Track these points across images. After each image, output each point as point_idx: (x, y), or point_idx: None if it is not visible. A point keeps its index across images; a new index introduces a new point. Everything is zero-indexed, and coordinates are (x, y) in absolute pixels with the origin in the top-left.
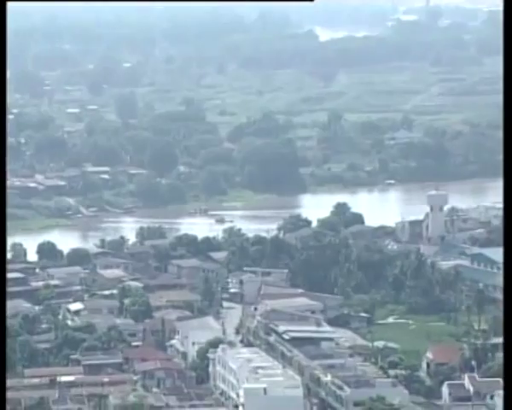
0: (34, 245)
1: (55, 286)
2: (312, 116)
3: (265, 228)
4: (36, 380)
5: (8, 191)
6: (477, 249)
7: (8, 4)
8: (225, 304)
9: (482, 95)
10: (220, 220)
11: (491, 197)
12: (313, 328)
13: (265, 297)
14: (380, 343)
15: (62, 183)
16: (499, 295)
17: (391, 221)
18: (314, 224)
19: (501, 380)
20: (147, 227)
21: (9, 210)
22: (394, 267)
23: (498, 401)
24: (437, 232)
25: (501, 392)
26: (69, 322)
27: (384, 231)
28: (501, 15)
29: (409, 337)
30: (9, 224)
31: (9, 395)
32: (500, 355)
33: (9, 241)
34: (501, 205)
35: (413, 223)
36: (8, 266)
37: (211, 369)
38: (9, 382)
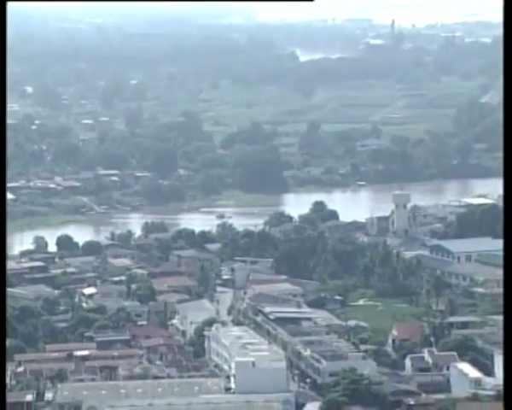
0: (54, 238)
1: (72, 273)
2: (294, 126)
3: (253, 223)
4: (55, 354)
5: (31, 191)
6: (435, 241)
7: (29, 29)
8: (219, 289)
9: (440, 108)
10: (220, 216)
11: (447, 196)
12: (294, 309)
13: (253, 283)
14: (352, 322)
15: (78, 184)
16: (454, 281)
17: (361, 217)
18: (295, 219)
19: (455, 354)
20: (151, 222)
21: (32, 208)
22: (364, 257)
23: (453, 371)
24: (401, 227)
25: (456, 364)
26: (84, 304)
27: (356, 226)
28: (456, 40)
29: (377, 317)
30: (32, 219)
31: (33, 366)
32: (455, 332)
33: (32, 234)
34: (455, 203)
35: (381, 219)
36: (32, 256)
37: (206, 345)
38: (33, 356)
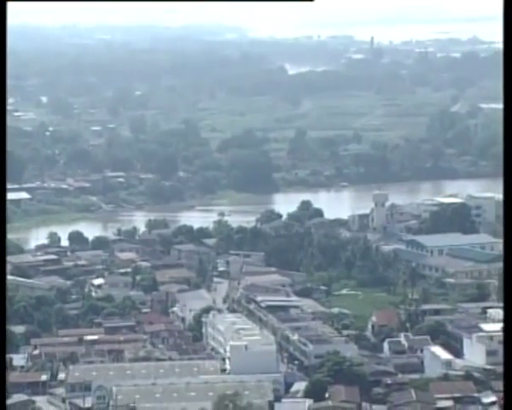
0: (66, 234)
1: (82, 266)
2: (283, 133)
3: (246, 220)
4: (67, 339)
5: (46, 191)
6: (411, 236)
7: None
8: (215, 280)
9: (414, 116)
10: (221, 214)
11: (421, 196)
12: (283, 298)
13: (246, 274)
14: (335, 310)
15: (87, 185)
16: (427, 272)
17: (344, 215)
18: (284, 217)
19: (428, 338)
20: (153, 219)
21: (47, 206)
22: (347, 251)
23: (427, 353)
24: (380, 223)
25: (429, 347)
26: (93, 293)
27: (339, 223)
28: (429, 55)
29: (358, 305)
30: (46, 217)
31: (47, 349)
32: (428, 318)
33: (46, 230)
34: (429, 202)
35: (361, 216)
36: (46, 250)
37: (204, 330)
38: (47, 340)
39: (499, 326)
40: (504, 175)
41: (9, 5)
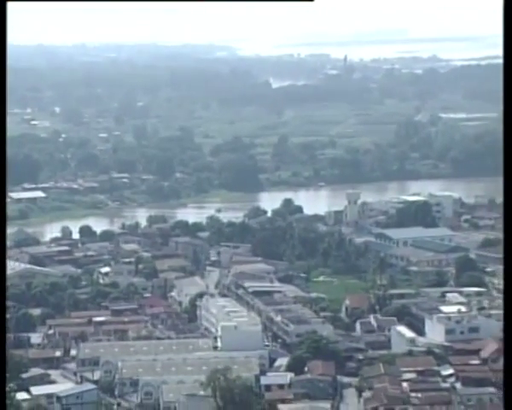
0: (77, 228)
1: (91, 256)
2: (267, 139)
3: (235, 216)
4: (78, 320)
5: (59, 191)
6: (379, 230)
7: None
8: (208, 268)
9: (383, 125)
10: (218, 210)
11: (389, 194)
12: (268, 284)
13: (235, 263)
14: (313, 294)
15: (96, 185)
16: (394, 261)
17: (321, 211)
18: (269, 213)
19: (395, 318)
20: (154, 215)
21: (59, 204)
22: (323, 242)
23: (393, 332)
24: (352, 218)
25: (395, 326)
26: (101, 280)
27: (317, 218)
28: (395, 71)
29: (333, 290)
30: (59, 213)
31: (60, 329)
32: (394, 301)
33: (59, 225)
34: (395, 200)
35: (336, 212)
36: (59, 242)
37: (198, 312)
38: (60, 321)
39: (456, 308)
40: (504, 175)
41: (27, 27)
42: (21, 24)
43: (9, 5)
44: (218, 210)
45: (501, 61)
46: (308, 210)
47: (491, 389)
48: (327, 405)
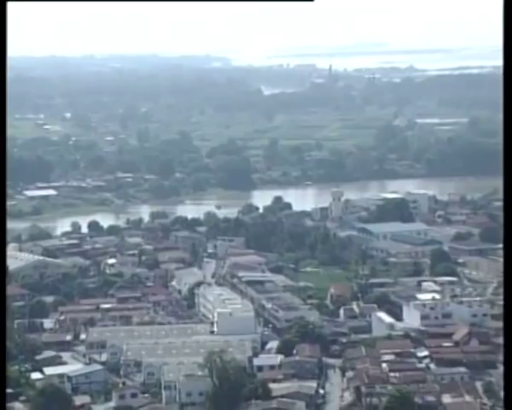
0: (85, 223)
1: (98, 248)
2: (259, 142)
3: (230, 212)
4: (87, 307)
5: (69, 189)
6: (361, 225)
7: (67, 72)
8: (205, 259)
9: (364, 129)
10: (218, 207)
11: (370, 192)
12: (260, 274)
13: (230, 255)
14: (301, 283)
15: (103, 184)
16: (374, 253)
17: (308, 207)
18: (260, 209)
19: (375, 305)
20: (156, 211)
21: (70, 201)
22: (310, 236)
23: (374, 318)
24: (337, 214)
25: (376, 312)
26: (107, 271)
27: (304, 214)
28: (375, 80)
29: (319, 280)
30: (69, 209)
31: (71, 315)
32: (375, 290)
33: (70, 220)
34: (375, 197)
35: (322, 209)
36: (69, 236)
37: (196, 300)
38: (71, 307)
39: (430, 296)
40: (504, 175)
41: (41, 39)
42: (36, 37)
43: (24, 19)
44: (218, 207)
45: (471, 71)
46: (296, 207)
47: (463, 369)
48: (313, 384)
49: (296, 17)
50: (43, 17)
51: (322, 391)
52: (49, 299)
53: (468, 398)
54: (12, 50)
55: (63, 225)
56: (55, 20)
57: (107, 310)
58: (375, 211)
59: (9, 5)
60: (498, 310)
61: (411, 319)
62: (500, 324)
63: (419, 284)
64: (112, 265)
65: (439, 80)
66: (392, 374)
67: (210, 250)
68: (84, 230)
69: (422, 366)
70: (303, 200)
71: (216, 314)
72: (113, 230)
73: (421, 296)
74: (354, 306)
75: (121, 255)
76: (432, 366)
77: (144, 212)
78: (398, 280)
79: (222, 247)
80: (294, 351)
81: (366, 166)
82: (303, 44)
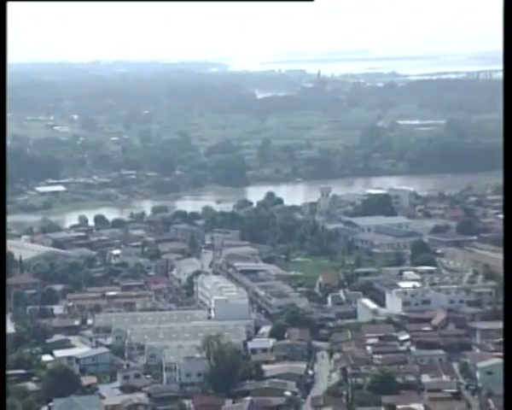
0: (92, 216)
1: (104, 240)
2: (253, 141)
3: (226, 206)
4: (93, 294)
5: (77, 185)
6: (347, 218)
7: (74, 77)
8: (203, 250)
9: (350, 130)
10: (218, 201)
11: (356, 188)
12: (254, 264)
13: (226, 246)
14: (292, 273)
15: (108, 180)
16: (360, 244)
17: (299, 202)
18: (254, 204)
19: (360, 293)
20: (157, 206)
21: (78, 196)
22: (300, 229)
23: (359, 304)
24: (325, 208)
25: (361, 299)
26: (112, 261)
27: (295, 208)
28: (360, 85)
29: (308, 269)
30: (77, 204)
31: (78, 302)
32: (360, 278)
33: (77, 214)
34: (361, 193)
35: (311, 203)
36: (77, 229)
37: (195, 288)
38: (78, 295)
39: (411, 284)
40: (504, 174)
41: (51, 46)
42: (47, 45)
43: (35, 29)
44: (219, 201)
45: (448, 76)
46: (287, 202)
47: (440, 351)
48: (303, 365)
49: (287, 26)
50: (53, 26)
51: (311, 372)
52: (59, 287)
53: (445, 378)
54: (25, 57)
55: (71, 219)
56: (64, 29)
57: (112, 297)
58: (360, 205)
59: (23, 17)
60: (474, 297)
61: (393, 305)
62: (475, 309)
63: (400, 273)
64: (116, 255)
65: (419, 85)
66: (375, 356)
67: (207, 242)
68: (91, 223)
69: (403, 348)
70: (293, 195)
71: (213, 301)
72: (117, 223)
73: (403, 284)
74: (341, 293)
75: (125, 247)
76: (412, 348)
77: (146, 206)
78: (382, 269)
79: (218, 239)
80: (285, 335)
81: (352, 164)
82: (293, 51)
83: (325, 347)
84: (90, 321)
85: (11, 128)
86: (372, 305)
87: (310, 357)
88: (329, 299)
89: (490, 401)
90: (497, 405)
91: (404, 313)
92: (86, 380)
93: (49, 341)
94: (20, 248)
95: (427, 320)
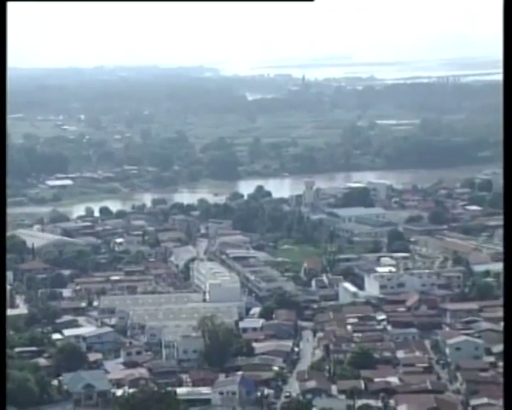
0: (97, 208)
1: (109, 229)
2: (244, 139)
3: (219, 198)
4: (99, 279)
5: (84, 179)
6: (330, 209)
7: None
8: (198, 239)
9: (333, 129)
10: (215, 194)
11: (337, 182)
12: (245, 251)
13: (220, 235)
14: (279, 259)
15: (112, 175)
16: (341, 233)
17: (286, 195)
18: (245, 196)
19: (342, 277)
20: (157, 198)
21: (84, 189)
22: (287, 219)
23: (340, 288)
24: (309, 200)
25: (342, 283)
26: (116, 248)
27: (282, 200)
28: (341, 88)
29: (294, 255)
30: (83, 197)
31: (85, 286)
32: (341, 264)
33: (84, 206)
34: (342, 186)
35: (297, 196)
36: (84, 219)
37: (191, 273)
38: (85, 279)
39: (388, 269)
40: (504, 174)
41: (61, 52)
42: (56, 51)
43: (45, 36)
44: (216, 194)
45: (422, 80)
46: (275, 194)
47: (414, 330)
48: (289, 343)
49: (274, 35)
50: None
51: (296, 349)
52: (67, 272)
53: (418, 354)
54: (36, 63)
55: (78, 210)
56: (72, 37)
57: (116, 281)
58: (341, 198)
59: (34, 24)
60: (444, 281)
61: (371, 288)
62: (445, 292)
63: (378, 259)
64: (120, 243)
65: (395, 88)
66: (355, 334)
67: (202, 231)
68: (96, 214)
69: (380, 327)
70: (281, 189)
71: (208, 285)
72: (120, 214)
73: (380, 269)
74: (324, 277)
75: (127, 235)
76: (388, 327)
77: (147, 199)
78: (361, 256)
79: (212, 228)
80: (274, 316)
81: (334, 160)
82: (281, 57)
83: (309, 326)
84: (95, 303)
85: (23, 127)
86: (352, 288)
87: (296, 335)
88: (313, 283)
89: (458, 374)
90: (465, 378)
91: (381, 296)
92: (92, 357)
93: (58, 321)
94: (33, 237)
95: (402, 302)
